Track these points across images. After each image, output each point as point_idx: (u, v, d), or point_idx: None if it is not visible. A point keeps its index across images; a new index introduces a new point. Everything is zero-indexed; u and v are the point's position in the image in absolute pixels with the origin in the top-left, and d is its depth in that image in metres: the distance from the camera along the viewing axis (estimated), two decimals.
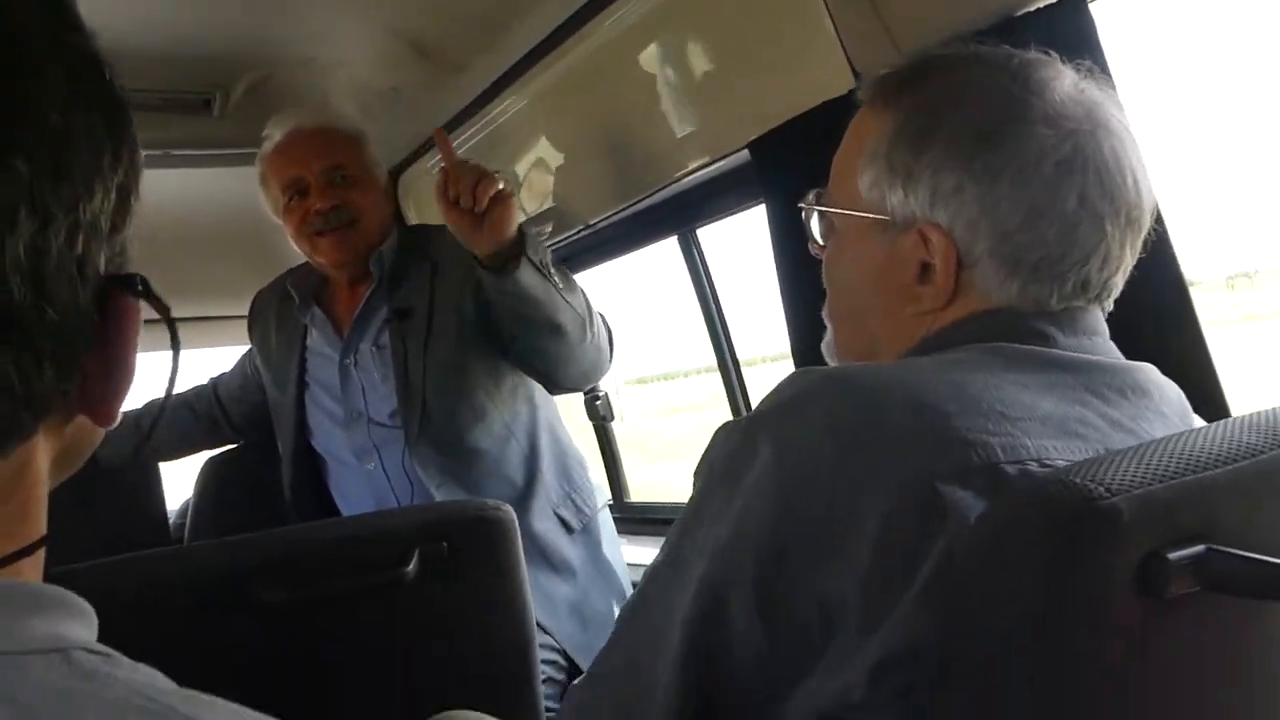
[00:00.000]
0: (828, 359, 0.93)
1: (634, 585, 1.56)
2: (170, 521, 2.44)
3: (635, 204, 1.96)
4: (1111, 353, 0.78)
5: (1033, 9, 1.10)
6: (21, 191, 0.38)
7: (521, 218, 1.62)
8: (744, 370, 2.18)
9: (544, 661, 1.63)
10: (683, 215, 2.05)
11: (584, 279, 2.52)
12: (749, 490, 0.68)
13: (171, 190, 2.41)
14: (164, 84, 2.02)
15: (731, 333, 2.16)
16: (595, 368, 1.77)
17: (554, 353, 1.69)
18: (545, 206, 2.14)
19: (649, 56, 1.69)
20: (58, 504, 0.48)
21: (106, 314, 0.44)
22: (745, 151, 1.57)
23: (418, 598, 1.25)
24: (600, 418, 2.60)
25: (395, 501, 1.84)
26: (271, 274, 2.13)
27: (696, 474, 0.74)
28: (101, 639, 0.42)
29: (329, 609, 1.22)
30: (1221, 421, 0.68)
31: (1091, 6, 1.09)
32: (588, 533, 1.87)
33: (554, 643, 1.71)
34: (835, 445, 0.65)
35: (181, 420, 2.18)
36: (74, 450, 0.48)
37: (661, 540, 0.76)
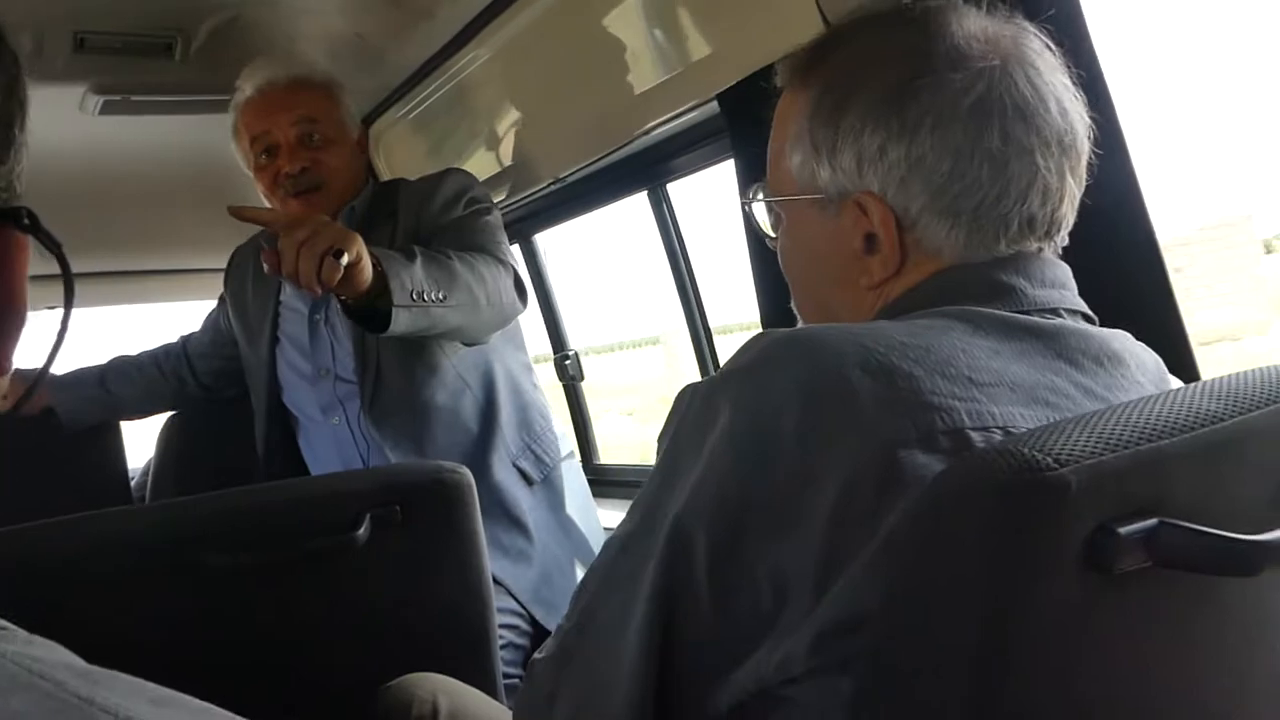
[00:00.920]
0: None
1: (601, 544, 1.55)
2: (133, 480, 2.41)
3: (604, 158, 1.93)
4: (1081, 307, 0.76)
5: None
6: None
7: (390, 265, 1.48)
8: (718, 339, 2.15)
9: (506, 626, 1.61)
10: (653, 170, 2.02)
11: (552, 235, 2.50)
12: (710, 454, 0.66)
13: (132, 138, 2.36)
14: (122, 26, 1.95)
15: (702, 295, 2.13)
16: (503, 320, 1.76)
17: (458, 334, 1.72)
18: (510, 163, 2.09)
19: (616, 4, 1.65)
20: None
21: None
22: (715, 105, 1.53)
23: (370, 562, 1.23)
24: (570, 378, 2.58)
25: (360, 459, 1.83)
26: (245, 228, 2.07)
27: (660, 438, 0.72)
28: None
29: (276, 574, 1.19)
30: (1183, 387, 0.65)
31: None
32: (549, 485, 1.86)
33: (516, 606, 1.69)
34: (797, 408, 0.63)
35: (148, 378, 2.15)
36: None
37: (629, 502, 0.74)
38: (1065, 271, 0.78)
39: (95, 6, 1.85)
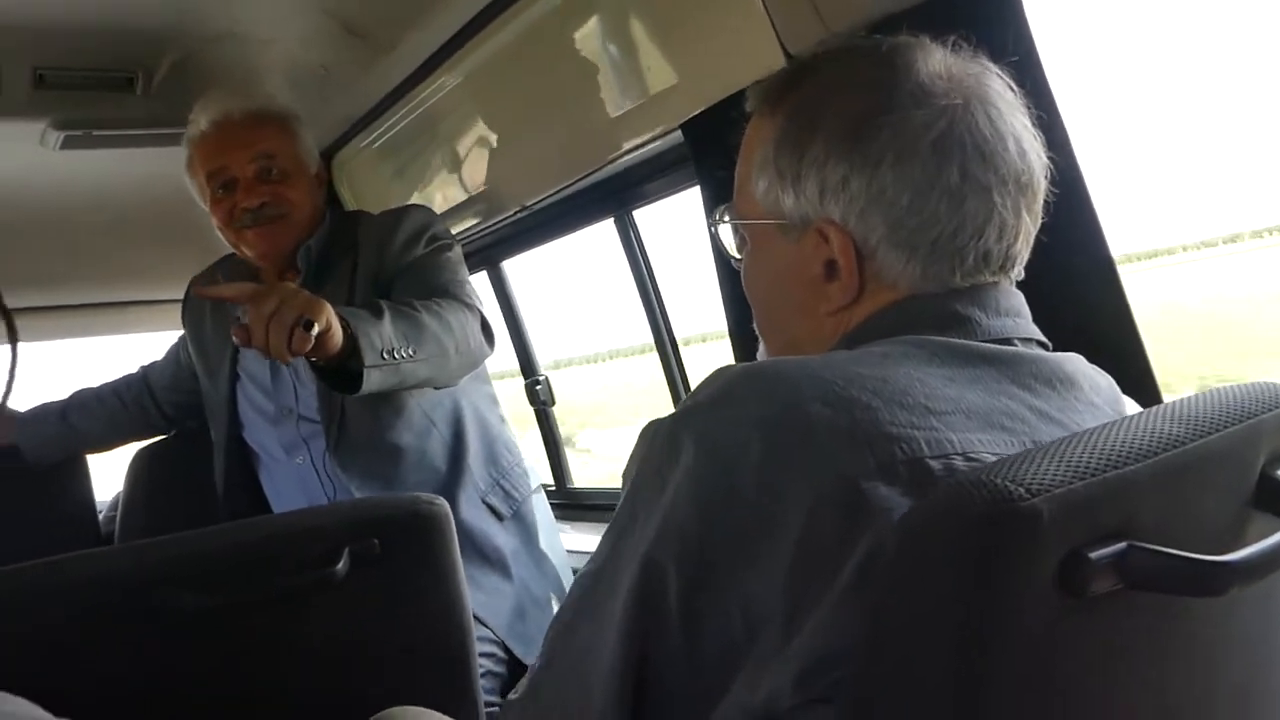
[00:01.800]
0: None
1: (574, 572, 1.55)
2: (101, 515, 2.37)
3: (571, 186, 1.94)
4: (1036, 335, 0.78)
5: None
6: None
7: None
8: (696, 348, 2.16)
9: (482, 655, 1.61)
10: (619, 197, 2.03)
11: (520, 262, 2.51)
12: (674, 490, 0.66)
13: (95, 172, 2.34)
14: (83, 61, 1.95)
15: (669, 314, 2.15)
16: (472, 365, 1.75)
17: (428, 384, 1.71)
18: (476, 191, 2.09)
19: (580, 35, 1.67)
20: None
21: None
22: (680, 134, 1.55)
23: (349, 597, 1.22)
24: (540, 403, 2.58)
25: (325, 496, 1.81)
26: (204, 258, 2.08)
27: (625, 475, 0.73)
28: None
29: (253, 613, 1.18)
30: (1143, 412, 0.67)
31: None
32: (520, 519, 1.85)
33: (491, 634, 1.69)
34: (759, 441, 0.64)
35: (110, 409, 2.12)
36: None
37: (603, 526, 0.74)
38: (1020, 300, 0.79)
39: (55, 42, 1.84)
